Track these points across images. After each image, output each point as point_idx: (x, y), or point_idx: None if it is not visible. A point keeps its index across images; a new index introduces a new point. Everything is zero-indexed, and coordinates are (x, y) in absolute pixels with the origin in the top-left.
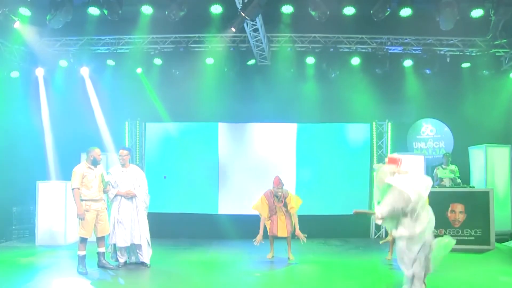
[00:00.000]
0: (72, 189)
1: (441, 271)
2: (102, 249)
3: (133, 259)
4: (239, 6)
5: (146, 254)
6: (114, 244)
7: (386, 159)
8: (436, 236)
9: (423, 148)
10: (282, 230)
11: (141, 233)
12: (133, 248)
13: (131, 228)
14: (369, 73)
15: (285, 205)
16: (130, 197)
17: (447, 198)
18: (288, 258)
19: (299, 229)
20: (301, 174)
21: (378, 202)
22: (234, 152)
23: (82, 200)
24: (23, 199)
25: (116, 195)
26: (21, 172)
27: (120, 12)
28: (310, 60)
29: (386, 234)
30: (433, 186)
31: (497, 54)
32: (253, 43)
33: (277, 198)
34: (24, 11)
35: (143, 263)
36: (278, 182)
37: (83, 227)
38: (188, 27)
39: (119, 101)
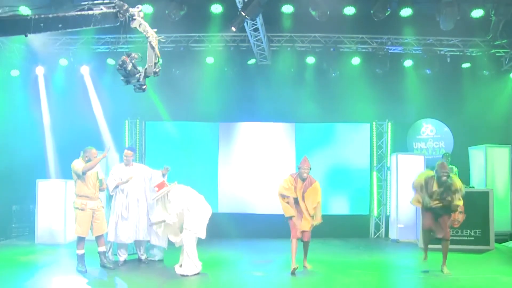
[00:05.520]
0: (83, 172)
1: (441, 271)
2: (102, 248)
3: (143, 257)
4: (239, 5)
5: (143, 251)
6: (113, 243)
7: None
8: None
9: (423, 148)
10: (305, 224)
11: (147, 229)
12: (138, 244)
13: (135, 225)
14: (369, 73)
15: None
16: (134, 194)
17: None
18: (304, 266)
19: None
20: None
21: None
22: (234, 151)
23: (78, 195)
24: (23, 198)
25: (116, 187)
26: (21, 171)
27: None
28: (311, 59)
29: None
30: None
31: (497, 54)
32: (253, 43)
33: (302, 180)
34: (24, 10)
35: (140, 260)
36: (306, 161)
37: (79, 225)
38: (188, 27)
39: (119, 100)
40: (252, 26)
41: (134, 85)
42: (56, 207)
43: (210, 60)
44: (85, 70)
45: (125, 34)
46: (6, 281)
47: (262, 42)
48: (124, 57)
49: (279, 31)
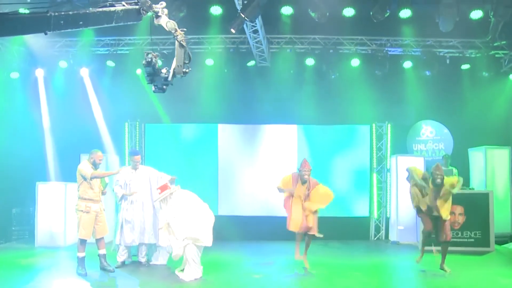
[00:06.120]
0: (91, 178)
1: (441, 273)
2: (102, 251)
3: (143, 260)
4: (238, 7)
5: (144, 254)
6: (118, 245)
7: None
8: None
9: (422, 150)
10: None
11: (153, 232)
12: (139, 247)
13: (140, 228)
14: (369, 75)
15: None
16: (139, 197)
17: None
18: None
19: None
20: None
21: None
22: (234, 153)
23: (82, 198)
24: (22, 200)
25: (123, 195)
26: (21, 173)
27: None
28: (310, 61)
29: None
30: None
31: (496, 55)
32: (253, 45)
33: (303, 183)
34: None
35: (140, 263)
36: (306, 164)
37: (83, 228)
38: (187, 28)
39: (118, 102)
40: (252, 28)
41: (156, 85)
42: (56, 209)
43: (209, 62)
44: (84, 72)
45: (151, 34)
46: (6, 284)
47: (261, 44)
48: (152, 54)
49: (278, 32)
